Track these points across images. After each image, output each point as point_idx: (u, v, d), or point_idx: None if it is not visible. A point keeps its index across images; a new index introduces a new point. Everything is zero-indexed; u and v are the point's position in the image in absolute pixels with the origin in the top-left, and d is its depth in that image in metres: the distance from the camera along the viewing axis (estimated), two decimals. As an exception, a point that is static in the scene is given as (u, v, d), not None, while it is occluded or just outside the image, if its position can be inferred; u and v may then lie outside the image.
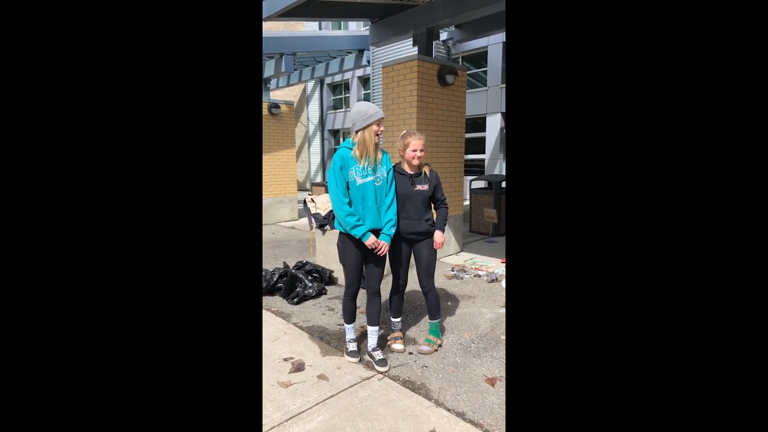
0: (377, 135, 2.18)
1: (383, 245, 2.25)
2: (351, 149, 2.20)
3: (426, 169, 2.44)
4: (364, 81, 13.78)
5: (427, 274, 2.50)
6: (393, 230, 2.32)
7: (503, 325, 2.89)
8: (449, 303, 3.35)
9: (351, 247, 2.26)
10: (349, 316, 2.46)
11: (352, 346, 2.43)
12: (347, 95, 14.94)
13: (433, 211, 2.52)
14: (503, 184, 6.33)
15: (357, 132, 2.18)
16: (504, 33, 9.37)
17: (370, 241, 2.20)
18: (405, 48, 8.60)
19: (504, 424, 1.82)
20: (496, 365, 2.34)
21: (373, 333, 2.40)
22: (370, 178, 2.19)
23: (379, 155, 2.25)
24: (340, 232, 2.27)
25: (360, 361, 2.38)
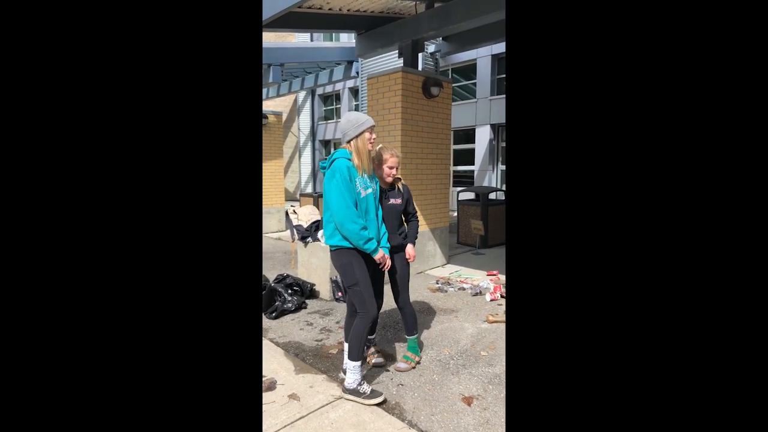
0: (371, 143, 2.11)
1: (388, 259, 2.19)
2: (350, 159, 2.07)
3: (399, 184, 2.42)
4: (355, 92, 13.83)
5: (402, 288, 2.45)
6: (390, 243, 2.28)
7: (484, 340, 2.83)
8: (431, 317, 3.29)
9: (360, 262, 2.07)
10: (361, 351, 2.09)
11: (366, 387, 2.09)
12: (338, 106, 14.98)
13: (405, 224, 2.50)
14: (491, 196, 6.32)
15: (350, 141, 2.07)
16: (492, 45, 9.49)
17: (380, 255, 2.12)
18: (393, 60, 8.65)
19: (478, 446, 1.75)
20: (474, 383, 2.27)
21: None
22: (370, 190, 2.13)
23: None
24: (341, 249, 2.06)
25: (372, 395, 2.07)
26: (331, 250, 2.13)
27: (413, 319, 2.49)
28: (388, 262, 2.20)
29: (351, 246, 2.05)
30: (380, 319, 3.23)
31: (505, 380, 2.30)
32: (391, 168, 2.33)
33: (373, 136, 2.12)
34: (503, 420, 1.93)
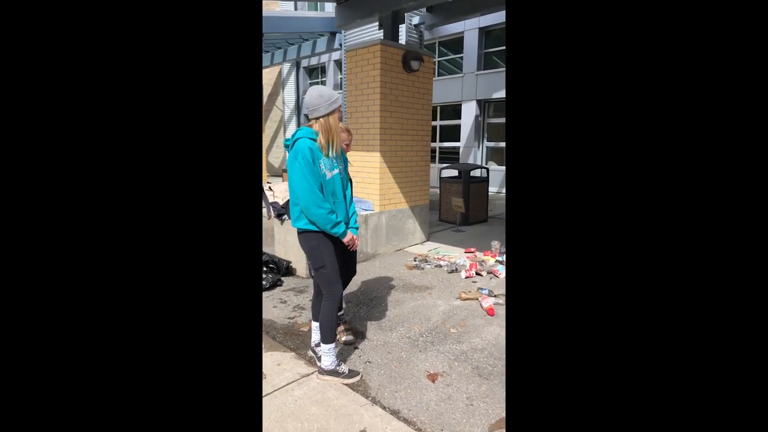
0: (340, 121, 2.02)
1: (357, 239, 2.17)
2: (315, 139, 1.97)
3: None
4: (341, 65, 13.47)
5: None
6: (358, 224, 2.26)
7: (455, 317, 2.87)
8: (406, 294, 3.31)
9: (328, 245, 2.03)
10: (333, 332, 2.11)
11: (344, 368, 2.12)
12: (323, 79, 14.61)
13: None
14: (473, 173, 6.30)
15: (319, 119, 1.95)
16: (479, 18, 9.25)
17: (348, 237, 2.08)
18: (375, 32, 8.40)
19: (438, 420, 1.79)
20: (441, 360, 2.31)
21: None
22: (336, 171, 2.05)
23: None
24: (310, 231, 2.01)
25: (343, 369, 2.12)
26: (298, 233, 2.09)
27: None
28: (357, 243, 2.19)
29: (318, 229, 2.01)
30: (354, 297, 3.25)
31: (470, 357, 2.34)
32: (347, 145, 2.35)
33: (341, 114, 2.05)
34: (465, 396, 1.98)
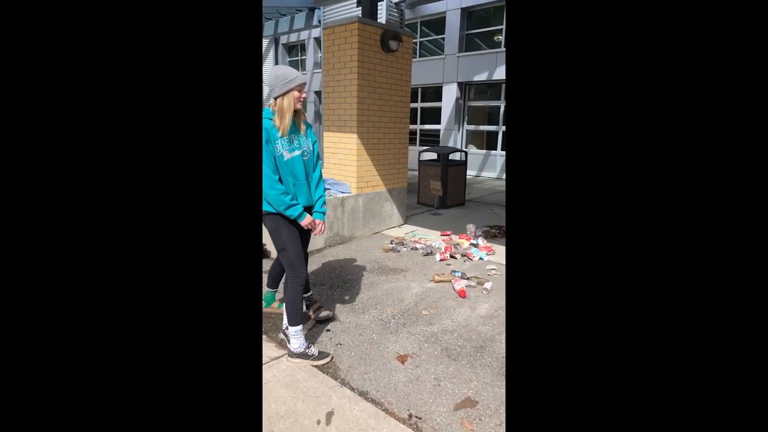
0: (299, 102, 1.98)
1: (320, 224, 2.14)
2: (272, 119, 1.96)
3: None
4: (321, 43, 13.13)
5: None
6: (325, 207, 2.22)
7: (427, 299, 2.91)
8: (380, 277, 3.33)
9: (288, 227, 2.03)
10: (299, 315, 2.10)
11: (314, 350, 2.12)
12: (303, 57, 14.23)
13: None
14: (451, 157, 6.31)
15: (275, 99, 1.95)
16: (462, -2, 9.11)
17: (306, 221, 2.06)
18: (355, 9, 8.18)
19: (405, 401, 1.83)
20: (411, 341, 2.34)
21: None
22: (297, 152, 2.02)
23: (304, 126, 2.09)
24: (271, 213, 2.02)
25: (309, 349, 2.12)
26: (263, 215, 2.07)
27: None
28: (321, 227, 2.16)
29: (276, 211, 2.00)
30: (329, 280, 3.25)
31: (440, 338, 2.38)
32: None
33: (303, 95, 1.99)
34: (433, 377, 2.02)
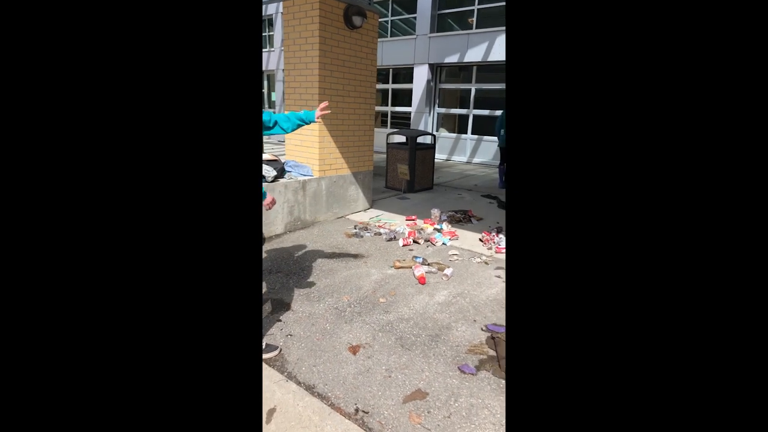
0: None
1: (268, 200, 2.05)
2: None
3: None
4: (290, 18, 12.57)
5: None
6: (264, 188, 2.14)
7: (386, 286, 2.84)
8: (341, 263, 3.23)
9: None
10: None
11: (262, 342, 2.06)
12: (271, 33, 13.63)
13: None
14: (419, 140, 6.21)
15: None
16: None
17: (267, 200, 2.03)
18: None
19: (353, 394, 1.76)
20: (365, 331, 2.27)
21: None
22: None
23: None
24: None
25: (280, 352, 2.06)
26: None
27: None
28: (268, 203, 2.04)
29: None
30: (286, 267, 3.12)
31: (395, 327, 2.32)
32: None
33: None
34: (384, 368, 1.96)
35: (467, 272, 3.14)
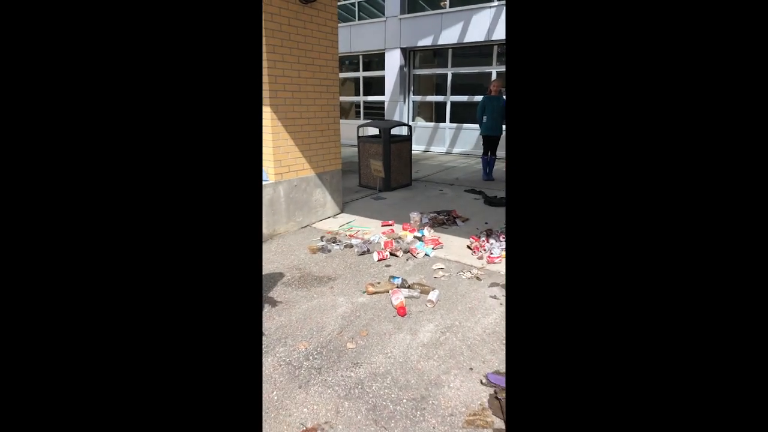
0: None
1: None
2: None
3: None
4: None
5: None
6: None
7: (356, 323, 2.24)
8: (300, 292, 2.61)
9: None
10: None
11: None
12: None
13: None
14: (394, 132, 5.60)
15: None
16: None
17: None
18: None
19: None
20: (326, 400, 1.67)
21: None
22: None
23: None
24: None
25: None
26: None
27: None
28: None
29: None
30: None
31: (367, 390, 1.73)
32: None
33: None
34: (350, 467, 1.37)
35: (456, 293, 2.58)
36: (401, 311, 2.32)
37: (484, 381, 1.79)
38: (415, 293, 2.52)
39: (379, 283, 2.65)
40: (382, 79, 9.78)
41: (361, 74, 10.41)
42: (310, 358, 1.95)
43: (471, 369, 1.86)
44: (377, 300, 2.50)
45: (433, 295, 2.46)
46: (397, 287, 2.57)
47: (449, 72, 8.92)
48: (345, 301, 2.49)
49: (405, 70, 9.39)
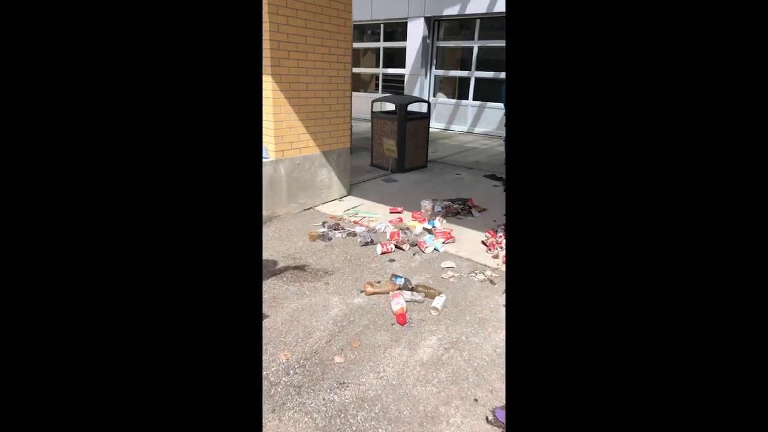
0: None
1: None
2: None
3: None
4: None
5: None
6: None
7: (348, 330, 1.97)
8: (291, 287, 2.35)
9: None
10: None
11: None
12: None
13: None
14: (411, 108, 5.19)
15: None
16: None
17: None
18: None
19: None
20: (303, 429, 1.42)
21: None
22: None
23: None
24: None
25: None
26: None
27: None
28: None
29: None
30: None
31: (350, 419, 1.47)
32: None
33: None
34: None
35: (465, 299, 2.27)
36: (401, 319, 2.03)
37: (490, 418, 1.50)
38: (419, 297, 2.23)
39: (379, 282, 2.37)
40: (403, 50, 9.23)
41: (382, 44, 9.86)
42: (291, 372, 1.69)
43: (476, 400, 1.58)
44: (375, 302, 2.22)
45: (438, 302, 2.17)
46: (399, 289, 2.28)
47: (475, 45, 8.31)
48: (339, 302, 2.22)
49: (428, 41, 8.81)
